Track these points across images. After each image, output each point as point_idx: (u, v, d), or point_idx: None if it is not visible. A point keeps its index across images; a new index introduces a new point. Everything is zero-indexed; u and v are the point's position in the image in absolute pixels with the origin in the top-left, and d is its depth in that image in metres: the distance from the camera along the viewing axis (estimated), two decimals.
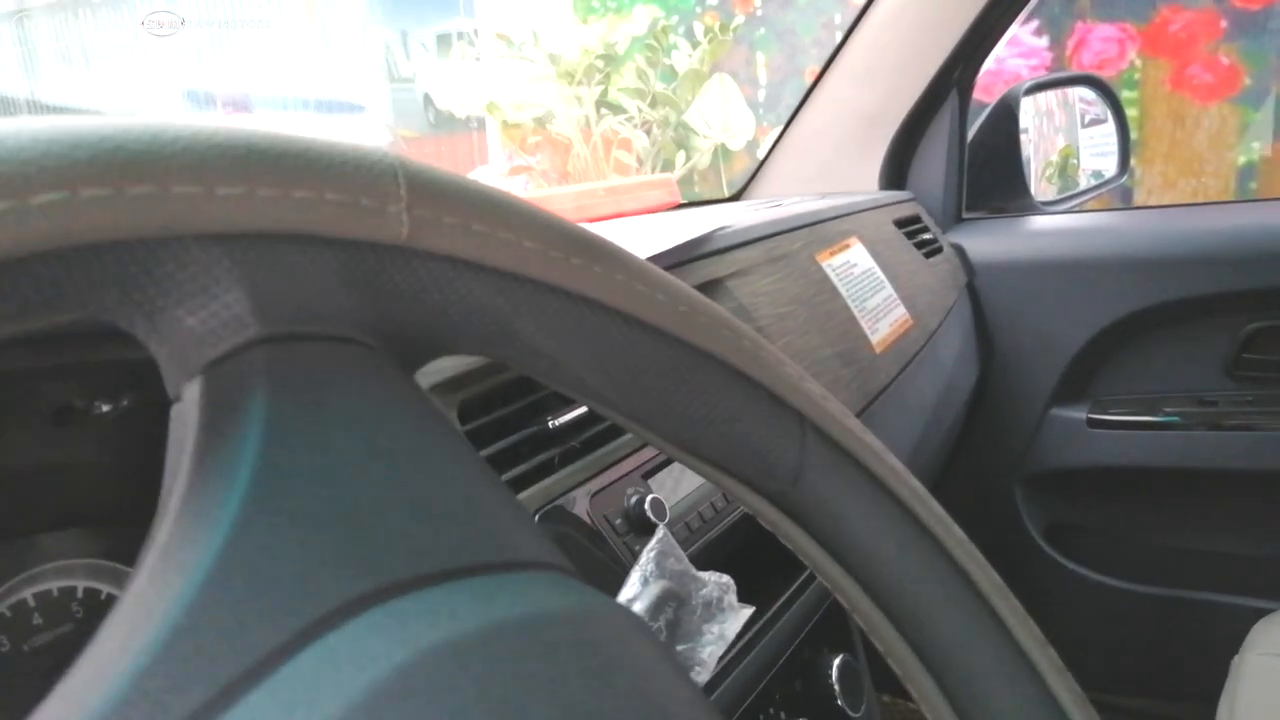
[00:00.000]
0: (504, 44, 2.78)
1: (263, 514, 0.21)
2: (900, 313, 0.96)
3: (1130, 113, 2.11)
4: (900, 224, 1.14)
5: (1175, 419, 1.16)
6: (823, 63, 1.29)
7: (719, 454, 0.33)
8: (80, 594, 0.47)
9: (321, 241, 0.23)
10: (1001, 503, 1.26)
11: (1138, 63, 2.59)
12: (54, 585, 0.46)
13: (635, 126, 2.70)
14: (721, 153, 2.81)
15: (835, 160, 1.29)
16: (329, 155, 0.22)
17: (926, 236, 1.18)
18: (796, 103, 1.31)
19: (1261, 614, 0.98)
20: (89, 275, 0.20)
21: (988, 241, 1.26)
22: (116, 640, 0.19)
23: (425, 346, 0.26)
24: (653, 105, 2.74)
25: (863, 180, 1.28)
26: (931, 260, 1.15)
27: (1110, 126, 1.54)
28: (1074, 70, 2.58)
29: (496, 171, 2.76)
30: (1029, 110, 1.57)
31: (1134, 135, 2.36)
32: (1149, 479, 1.19)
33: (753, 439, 0.34)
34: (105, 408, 0.42)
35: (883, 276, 0.98)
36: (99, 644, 0.19)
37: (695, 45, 2.83)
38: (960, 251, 1.24)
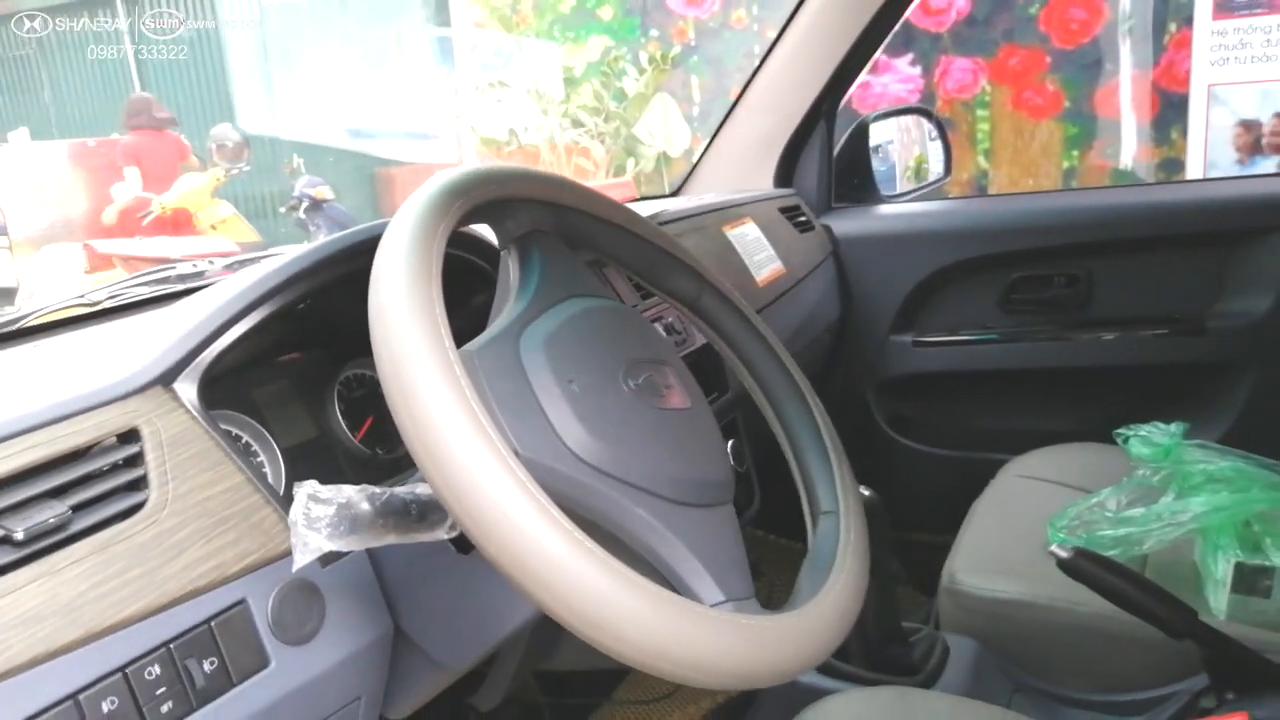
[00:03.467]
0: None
1: (545, 287, 0.75)
2: (777, 265, 1.53)
3: (983, 127, 2.74)
4: (784, 210, 1.71)
5: (969, 338, 1.74)
6: (737, 94, 1.85)
7: (664, 287, 0.89)
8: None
9: (547, 204, 0.78)
10: (859, 401, 1.84)
11: (988, 88, 3.23)
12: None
13: (592, 138, 3.25)
14: (663, 159, 3.38)
15: (743, 167, 1.85)
16: (527, 171, 0.78)
17: (802, 219, 1.75)
18: (719, 121, 1.87)
19: None
20: (484, 211, 0.75)
21: (848, 223, 1.83)
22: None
23: (574, 242, 0.81)
24: (606, 120, 3.29)
25: (762, 181, 1.84)
26: (805, 235, 1.71)
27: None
28: (940, 93, 3.20)
29: None
30: (895, 128, 2.16)
31: (985, 145, 3.00)
32: (954, 379, 1.77)
33: (675, 279, 0.89)
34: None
35: (766, 242, 1.54)
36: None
37: (641, 71, 3.40)
38: (828, 229, 1.81)
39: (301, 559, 0.60)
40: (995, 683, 1.14)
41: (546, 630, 1.06)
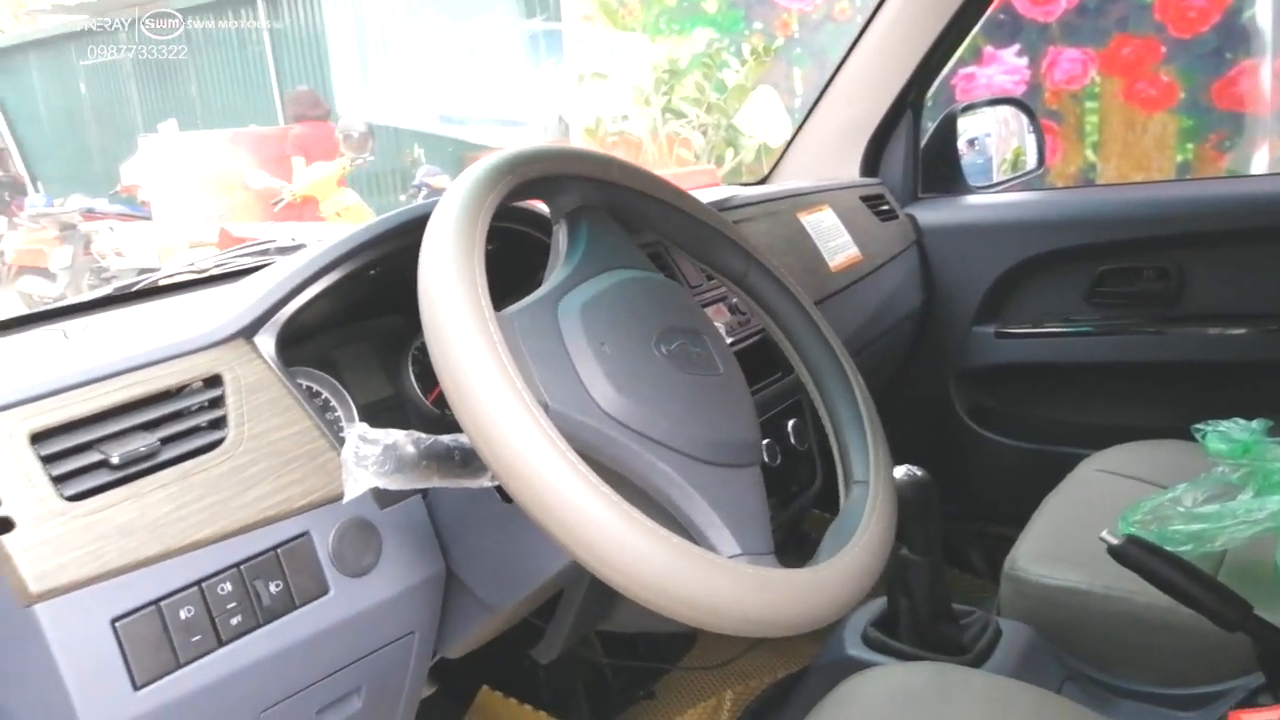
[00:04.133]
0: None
1: (589, 257, 0.80)
2: (853, 251, 1.55)
3: (1091, 119, 2.67)
4: (866, 199, 1.72)
5: (1053, 330, 1.72)
6: (823, 85, 1.87)
7: (713, 264, 0.93)
8: None
9: (595, 181, 0.83)
10: (940, 391, 1.83)
11: (1097, 79, 3.13)
12: None
13: (693, 129, 3.30)
14: (764, 150, 3.41)
15: (829, 156, 1.87)
16: (576, 151, 0.84)
17: (885, 208, 1.76)
18: (803, 116, 1.89)
19: None
20: (535, 186, 0.80)
21: (934, 213, 1.83)
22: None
23: (625, 219, 0.87)
24: (708, 111, 3.33)
25: (848, 170, 1.86)
26: (886, 223, 1.72)
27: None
28: (1047, 85, 3.12)
29: None
30: (994, 119, 2.14)
31: (1094, 138, 2.91)
32: (1036, 372, 1.76)
33: (723, 255, 0.93)
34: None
35: (843, 228, 1.56)
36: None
37: (743, 63, 3.42)
38: (912, 219, 1.81)
39: (351, 492, 0.67)
40: (1046, 668, 1.14)
41: (603, 589, 1.12)
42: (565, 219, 0.83)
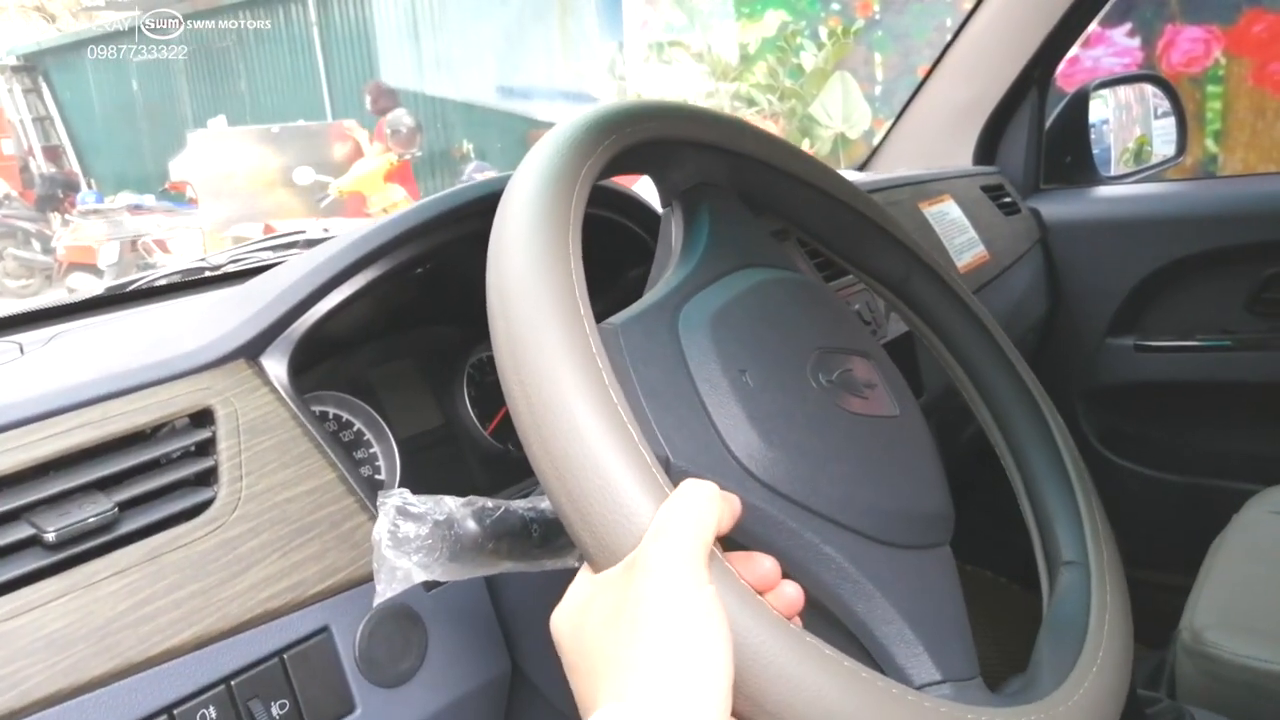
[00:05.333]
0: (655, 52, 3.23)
1: (715, 251, 0.58)
2: (980, 249, 1.31)
3: (1214, 105, 2.38)
4: (986, 190, 1.48)
5: (1205, 344, 1.47)
6: (933, 61, 1.63)
7: (865, 266, 0.71)
8: None
9: (718, 148, 0.61)
10: (1066, 412, 1.58)
11: (1223, 60, 2.83)
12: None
13: (765, 117, 3.07)
14: (841, 141, 3.16)
15: (937, 141, 1.63)
16: (696, 109, 0.61)
17: (1007, 200, 1.52)
18: (911, 92, 1.66)
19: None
20: (642, 155, 0.58)
21: (1059, 206, 1.58)
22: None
23: (753, 202, 0.65)
24: (781, 99, 3.10)
25: (960, 158, 1.62)
26: (1010, 218, 1.48)
27: None
28: (1162, 68, 2.83)
29: None
30: (1110, 103, 1.88)
31: (1217, 126, 2.62)
32: (1185, 391, 1.51)
33: (879, 255, 0.71)
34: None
35: (968, 224, 1.33)
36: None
37: (820, 46, 3.18)
38: (1036, 214, 1.57)
39: (386, 590, 0.46)
40: None
41: None
42: (680, 200, 0.61)
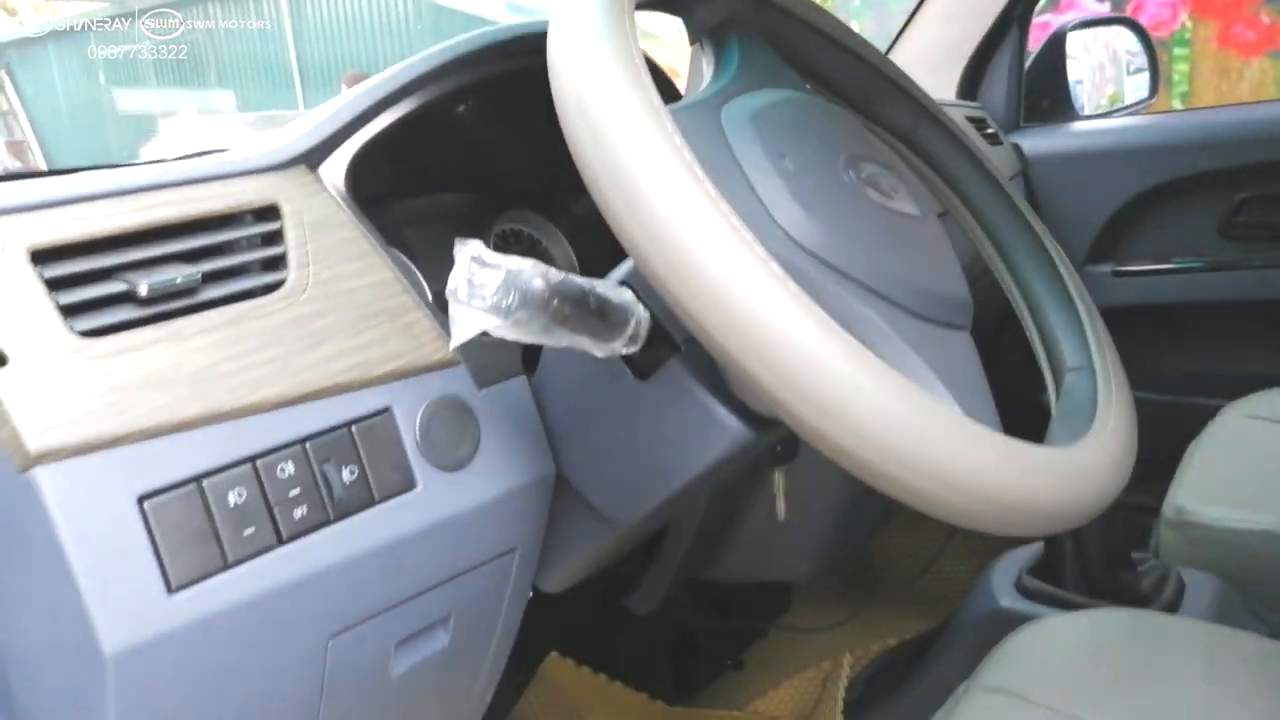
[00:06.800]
0: None
1: (747, 71, 0.63)
2: None
3: (1180, 68, 2.46)
4: (970, 120, 1.54)
5: (1180, 266, 1.53)
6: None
7: (875, 116, 0.75)
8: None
9: None
10: None
11: (1188, 23, 2.93)
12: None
13: None
14: None
15: (923, 78, 1.68)
16: None
17: (990, 132, 1.57)
18: (894, 37, 1.71)
19: None
20: None
21: (1038, 141, 1.64)
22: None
23: (775, 40, 0.69)
24: None
25: (943, 95, 1.67)
26: (993, 148, 1.54)
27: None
28: (1147, 33, 2.92)
29: None
30: (1085, 65, 1.95)
31: (1184, 88, 2.71)
32: (1161, 313, 1.57)
33: (889, 106, 0.75)
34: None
35: None
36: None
37: None
38: (1017, 148, 1.63)
39: (460, 335, 0.50)
40: (1244, 624, 0.96)
41: (710, 533, 0.94)
42: (708, 37, 0.66)
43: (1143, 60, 1.97)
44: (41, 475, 0.45)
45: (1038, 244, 0.74)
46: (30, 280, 0.48)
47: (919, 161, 0.78)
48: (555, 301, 0.52)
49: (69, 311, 0.49)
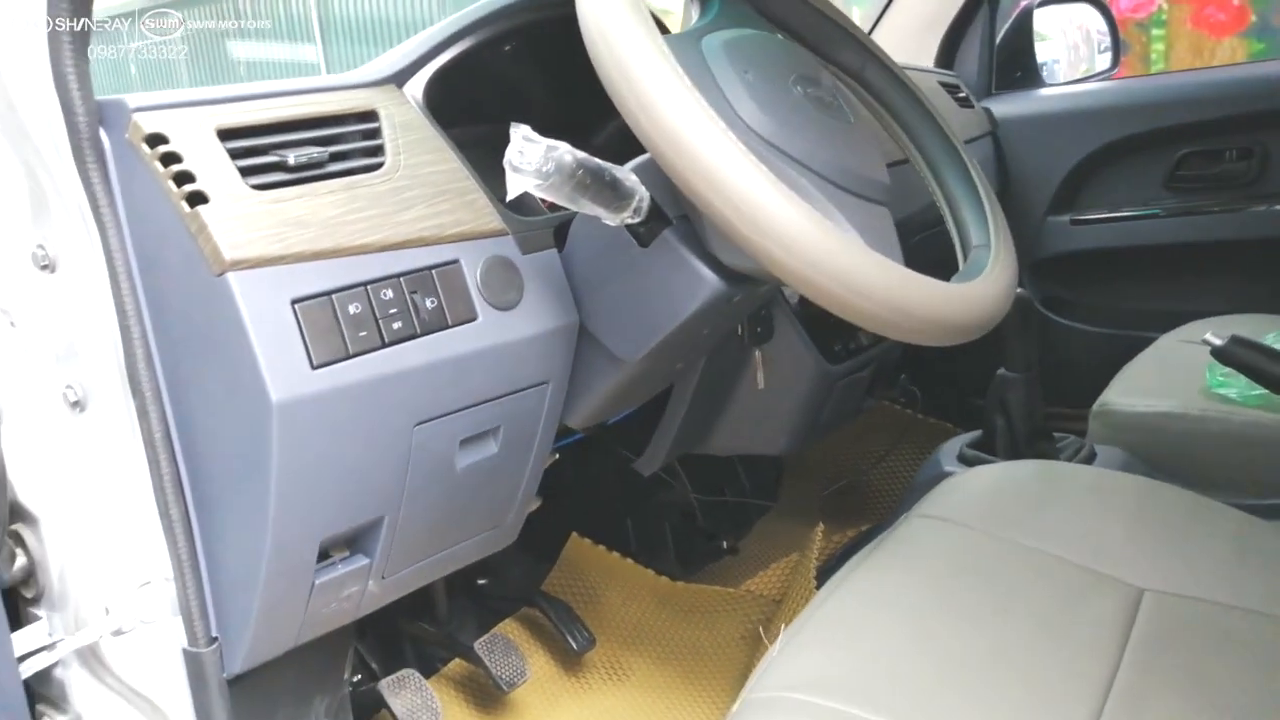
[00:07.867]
0: None
1: (726, 12, 0.83)
2: None
3: (1158, 47, 2.66)
4: (944, 85, 1.73)
5: (1130, 214, 1.73)
6: None
7: (830, 58, 0.95)
8: None
9: None
10: None
11: (1164, 5, 3.11)
12: None
13: None
14: None
15: (903, 48, 1.88)
16: None
17: (962, 96, 1.77)
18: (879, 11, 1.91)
19: None
20: None
21: (1007, 106, 1.84)
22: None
23: None
24: None
25: (922, 63, 1.87)
26: (964, 110, 1.74)
27: None
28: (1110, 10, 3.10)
29: None
30: (1062, 45, 2.15)
31: (1161, 66, 2.90)
32: (1112, 256, 1.76)
33: (841, 49, 0.96)
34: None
35: None
36: None
37: None
38: (988, 111, 1.82)
39: (513, 190, 0.70)
40: None
41: (703, 410, 1.14)
42: None
43: (1110, 41, 2.16)
44: (232, 278, 0.66)
45: (955, 152, 0.94)
46: (218, 149, 0.69)
47: (868, 96, 0.98)
48: (580, 172, 0.72)
49: (244, 172, 0.69)
